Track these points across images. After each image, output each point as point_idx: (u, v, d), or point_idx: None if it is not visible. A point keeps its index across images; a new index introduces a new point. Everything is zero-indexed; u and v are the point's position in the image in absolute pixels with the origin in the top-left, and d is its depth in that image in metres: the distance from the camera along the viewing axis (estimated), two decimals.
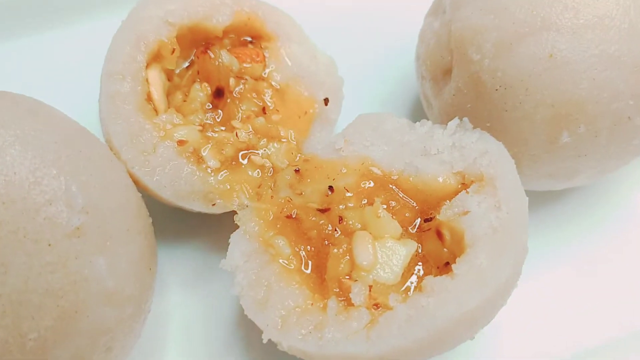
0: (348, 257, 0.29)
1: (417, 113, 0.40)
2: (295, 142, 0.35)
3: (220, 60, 0.34)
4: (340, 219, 0.29)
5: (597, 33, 0.29)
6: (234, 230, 0.32)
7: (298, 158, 0.33)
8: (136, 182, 0.32)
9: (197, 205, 0.33)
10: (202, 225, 0.36)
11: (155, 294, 0.34)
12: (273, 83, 0.35)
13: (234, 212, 0.32)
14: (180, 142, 0.32)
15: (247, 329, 0.32)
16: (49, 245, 0.25)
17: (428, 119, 0.35)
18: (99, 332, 0.26)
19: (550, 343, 0.35)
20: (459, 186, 0.30)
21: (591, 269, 0.37)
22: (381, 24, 0.44)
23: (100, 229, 0.27)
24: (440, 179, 0.30)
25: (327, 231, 0.30)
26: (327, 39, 0.39)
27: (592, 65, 0.29)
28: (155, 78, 0.33)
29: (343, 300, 0.28)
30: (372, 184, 0.31)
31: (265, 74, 0.36)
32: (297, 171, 0.32)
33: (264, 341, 0.29)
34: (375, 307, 0.28)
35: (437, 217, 0.30)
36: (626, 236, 0.38)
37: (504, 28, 0.30)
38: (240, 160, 0.34)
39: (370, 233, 0.29)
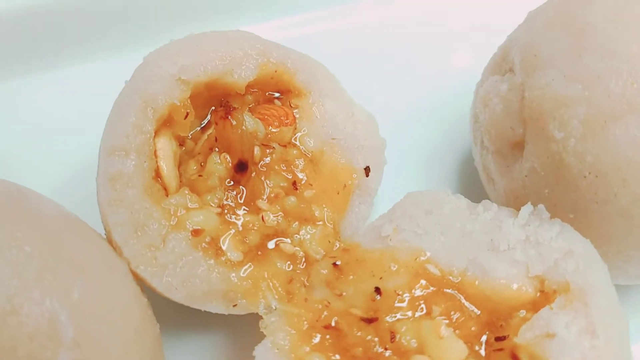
0: None
1: (473, 184, 0.34)
2: (332, 226, 0.29)
3: (244, 127, 0.29)
4: (393, 335, 0.24)
5: None
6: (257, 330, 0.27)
7: (337, 246, 0.28)
8: (142, 282, 0.27)
9: (215, 307, 0.28)
10: (219, 326, 0.30)
11: None
12: (304, 150, 0.30)
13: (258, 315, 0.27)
14: (196, 232, 0.28)
15: None
16: None
17: (488, 196, 0.30)
18: None
19: None
20: (537, 294, 0.24)
21: None
22: (427, 72, 0.38)
23: (94, 337, 0.22)
24: (515, 286, 0.25)
25: (375, 349, 0.25)
26: (366, 93, 0.33)
27: None
28: (166, 149, 0.28)
29: None
30: (429, 288, 0.26)
31: (295, 139, 0.31)
32: (335, 265, 0.27)
33: None
34: None
35: (515, 340, 0.25)
36: None
37: (597, 102, 0.25)
38: (268, 250, 0.29)
39: (429, 357, 0.24)
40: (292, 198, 0.29)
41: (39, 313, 0.21)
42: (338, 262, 0.27)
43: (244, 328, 0.28)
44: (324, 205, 0.30)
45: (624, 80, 0.25)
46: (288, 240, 0.29)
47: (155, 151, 0.28)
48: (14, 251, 0.21)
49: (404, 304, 0.27)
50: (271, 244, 0.28)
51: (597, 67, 0.25)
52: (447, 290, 0.28)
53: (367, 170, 0.31)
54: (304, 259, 0.28)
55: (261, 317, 0.27)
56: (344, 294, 0.27)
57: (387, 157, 0.33)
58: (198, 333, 0.31)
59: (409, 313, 0.26)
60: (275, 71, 0.31)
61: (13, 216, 0.22)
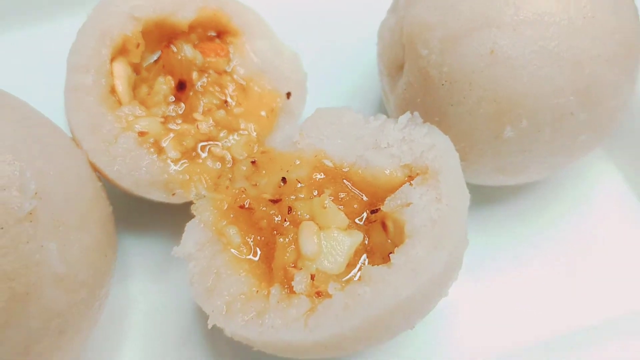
0: (294, 246, 0.30)
1: (380, 109, 0.41)
2: (255, 135, 0.36)
3: (183, 53, 0.35)
4: (290, 209, 0.31)
5: (537, 29, 0.29)
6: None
7: (256, 150, 0.35)
8: (99, 172, 0.33)
9: (157, 195, 0.34)
10: (166, 215, 0.37)
11: (117, 282, 0.35)
12: (236, 77, 0.37)
13: (191, 207, 0.34)
14: (142, 134, 0.34)
15: (205, 318, 0.33)
16: (1, 229, 0.26)
17: (388, 114, 0.36)
18: (50, 315, 0.28)
19: (491, 337, 0.35)
20: (406, 179, 0.31)
21: (537, 265, 0.38)
22: (347, 21, 0.45)
23: (52, 214, 0.28)
24: (387, 172, 0.31)
25: (276, 221, 0.31)
26: (293, 35, 0.40)
27: (532, 61, 0.30)
28: (120, 71, 0.35)
29: (287, 288, 0.29)
30: (323, 176, 0.33)
31: (229, 68, 0.37)
32: (253, 163, 0.33)
33: (209, 327, 0.30)
34: (317, 295, 0.29)
35: (382, 208, 0.31)
36: (579, 232, 0.38)
37: (450, 25, 0.31)
38: (200, 152, 0.35)
39: (316, 223, 0.30)
40: (222, 112, 0.36)
41: (10, 170, 0.26)
42: (255, 160, 0.33)
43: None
44: (250, 121, 0.37)
45: (469, 6, 0.31)
46: (219, 144, 0.34)
47: (112, 72, 0.34)
48: None
49: (303, 189, 0.33)
50: (203, 148, 0.34)
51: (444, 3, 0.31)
52: (342, 181, 0.34)
53: (288, 94, 0.37)
54: (230, 160, 0.34)
55: (193, 203, 0.34)
56: (258, 184, 0.33)
57: (310, 89, 0.39)
58: (148, 225, 0.38)
59: (305, 194, 0.33)
60: (214, 14, 0.37)
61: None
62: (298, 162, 0.33)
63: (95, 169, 0.32)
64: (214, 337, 0.35)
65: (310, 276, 0.29)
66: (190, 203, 0.34)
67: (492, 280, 0.37)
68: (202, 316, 0.35)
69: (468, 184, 0.32)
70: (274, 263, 0.30)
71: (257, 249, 0.31)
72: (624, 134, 0.40)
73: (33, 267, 0.27)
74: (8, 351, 0.27)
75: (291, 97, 0.38)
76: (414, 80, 0.33)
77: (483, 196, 0.39)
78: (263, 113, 0.36)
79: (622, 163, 0.41)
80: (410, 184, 0.30)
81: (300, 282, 0.29)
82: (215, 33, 0.38)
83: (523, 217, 0.39)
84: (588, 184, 0.40)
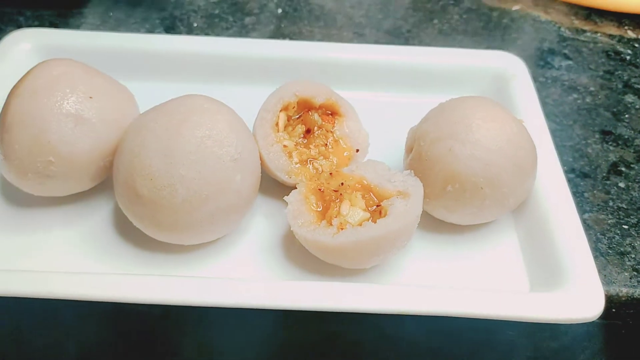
0: (337, 209, 0.55)
1: (399, 165, 0.64)
2: (336, 162, 0.69)
3: (313, 117, 0.62)
4: (340, 195, 0.63)
5: (473, 145, 0.53)
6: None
7: (333, 169, 0.68)
8: (260, 158, 0.63)
9: (282, 176, 0.58)
10: (278, 188, 0.65)
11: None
12: (335, 135, 0.62)
13: (295, 185, 0.59)
14: (285, 147, 0.58)
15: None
16: (224, 161, 0.53)
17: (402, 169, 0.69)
18: (229, 204, 0.53)
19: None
20: (396, 195, 0.62)
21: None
22: (401, 114, 0.69)
23: (243, 163, 0.52)
24: (390, 191, 0.62)
25: (333, 198, 0.63)
26: (367, 121, 0.65)
27: (467, 158, 0.52)
28: (282, 116, 0.59)
29: (328, 223, 0.61)
30: (360, 187, 0.64)
31: (332, 130, 0.62)
32: (330, 174, 0.66)
33: (294, 234, 0.54)
34: (341, 229, 0.60)
35: (382, 204, 0.61)
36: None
37: (435, 133, 0.54)
38: (308, 163, 0.67)
39: (350, 203, 0.62)
40: (323, 148, 0.58)
41: (233, 139, 0.63)
42: (332, 173, 0.66)
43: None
44: (335, 157, 0.65)
45: (445, 127, 0.65)
46: (317, 162, 0.59)
47: (278, 116, 0.59)
48: (229, 119, 0.56)
49: (348, 187, 0.64)
50: (310, 162, 0.59)
51: (436, 122, 0.65)
52: (369, 191, 0.66)
53: (357, 150, 0.67)
54: (321, 170, 0.58)
55: (298, 183, 0.58)
56: (330, 183, 0.61)
57: (370, 152, 0.71)
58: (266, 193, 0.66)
59: (349, 190, 0.65)
60: (332, 103, 0.65)
61: (228, 108, 0.57)
62: (351, 178, 0.66)
63: (260, 157, 0.59)
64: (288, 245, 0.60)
65: (341, 222, 0.61)
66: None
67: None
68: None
69: (426, 215, 0.58)
70: (327, 213, 0.54)
71: (321, 205, 0.60)
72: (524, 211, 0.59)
73: (229, 181, 0.52)
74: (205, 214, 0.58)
75: (359, 152, 0.64)
76: (414, 156, 0.55)
77: (434, 221, 0.60)
78: (345, 153, 0.61)
79: (520, 229, 0.60)
80: (397, 197, 0.62)
81: (335, 222, 0.55)
82: (330, 112, 0.62)
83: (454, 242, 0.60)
84: (493, 236, 0.60)
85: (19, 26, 0.85)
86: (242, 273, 0.54)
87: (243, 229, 0.57)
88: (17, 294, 0.45)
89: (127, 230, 0.54)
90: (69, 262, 0.53)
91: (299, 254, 0.55)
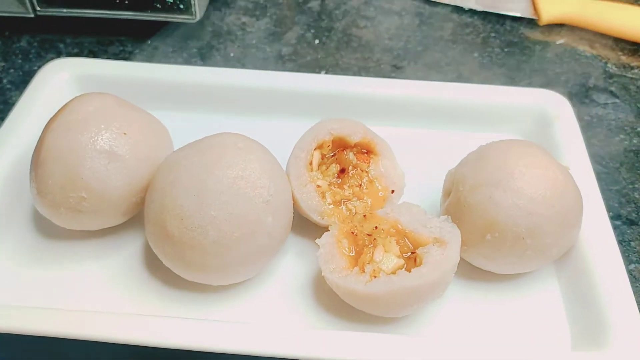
0: (370, 254, 0.59)
1: (435, 210, 0.63)
2: (370, 204, 0.67)
3: (347, 156, 0.64)
4: (374, 239, 0.61)
5: (515, 194, 0.51)
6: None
7: (367, 211, 0.66)
8: (293, 197, 0.62)
9: (316, 218, 0.57)
10: (310, 227, 0.64)
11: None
12: (370, 175, 0.65)
13: (328, 226, 0.59)
14: (318, 186, 0.57)
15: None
16: (256, 203, 0.53)
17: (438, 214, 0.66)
18: (258, 246, 0.52)
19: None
20: (432, 241, 0.60)
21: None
22: (438, 153, 0.69)
23: (275, 204, 0.51)
24: (425, 237, 0.61)
25: (366, 243, 0.61)
26: (403, 159, 0.63)
27: (508, 207, 0.51)
28: (316, 155, 0.58)
29: (361, 270, 0.59)
30: (394, 231, 0.63)
31: (367, 169, 0.61)
32: (364, 216, 0.64)
33: (325, 279, 0.52)
34: (374, 277, 0.58)
35: (417, 252, 0.60)
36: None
37: (474, 180, 0.52)
38: (341, 204, 0.67)
39: (384, 248, 0.60)
40: (357, 189, 0.60)
41: (265, 181, 0.62)
42: (365, 215, 0.65)
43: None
44: (370, 198, 0.65)
45: (484, 173, 0.62)
46: (351, 203, 0.58)
47: (312, 154, 0.58)
48: (261, 159, 0.53)
49: (382, 232, 0.62)
50: (344, 202, 0.58)
51: (476, 168, 0.61)
52: (404, 237, 0.63)
53: (392, 191, 0.67)
54: (354, 212, 0.58)
55: (330, 225, 0.58)
56: (363, 226, 0.63)
57: (406, 192, 0.70)
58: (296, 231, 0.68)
59: (383, 235, 0.62)
60: (368, 141, 0.66)
61: (262, 147, 0.56)
62: (385, 222, 0.64)
63: (293, 197, 0.59)
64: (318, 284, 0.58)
65: (374, 269, 0.59)
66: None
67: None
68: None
69: (464, 262, 0.58)
70: (359, 259, 0.52)
71: (353, 250, 0.61)
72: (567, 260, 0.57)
73: (260, 224, 0.52)
74: (241, 254, 0.52)
75: (394, 193, 0.65)
76: (452, 201, 0.54)
77: (471, 269, 0.58)
78: (380, 194, 0.60)
79: (562, 279, 0.57)
80: (433, 244, 0.59)
81: (368, 269, 0.58)
82: (366, 150, 0.61)
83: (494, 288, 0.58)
84: (532, 285, 0.57)
85: (59, 53, 0.86)
86: (270, 316, 0.53)
87: (273, 268, 0.57)
88: (42, 333, 0.46)
89: (155, 267, 0.54)
90: (97, 298, 0.53)
91: (329, 298, 0.55)
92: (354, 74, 0.77)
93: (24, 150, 0.59)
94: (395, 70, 0.87)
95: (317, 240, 0.55)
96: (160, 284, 0.54)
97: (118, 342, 0.45)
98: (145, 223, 0.52)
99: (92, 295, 0.52)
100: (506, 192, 0.52)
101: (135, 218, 0.57)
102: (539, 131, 0.66)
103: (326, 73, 0.77)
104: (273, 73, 0.69)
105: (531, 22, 0.95)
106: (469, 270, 0.55)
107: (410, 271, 0.50)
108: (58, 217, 0.52)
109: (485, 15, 0.96)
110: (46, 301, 0.52)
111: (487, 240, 0.53)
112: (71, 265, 0.56)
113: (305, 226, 0.60)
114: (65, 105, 0.54)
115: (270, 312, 0.53)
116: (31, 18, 0.76)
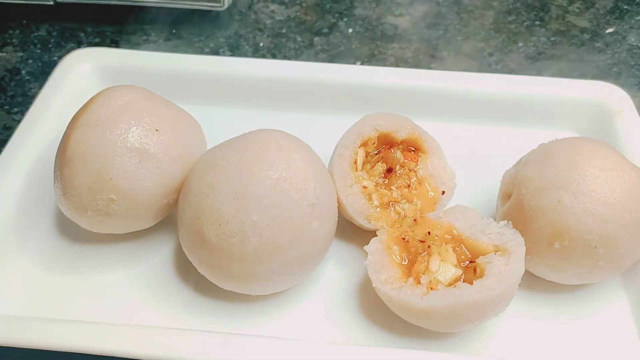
0: (425, 264, 0.54)
1: (491, 212, 0.59)
2: (420, 206, 0.62)
3: (394, 154, 0.59)
4: (429, 247, 0.56)
5: (586, 197, 0.47)
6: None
7: (418, 214, 0.61)
8: (338, 199, 0.58)
9: (361, 221, 0.53)
10: (354, 232, 0.59)
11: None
12: (418, 175, 0.61)
13: (374, 231, 0.54)
14: (364, 187, 0.53)
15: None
16: (300, 206, 0.48)
17: (495, 218, 0.61)
18: (306, 251, 0.48)
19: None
20: (492, 250, 0.54)
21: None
22: (489, 150, 0.66)
23: (320, 208, 0.47)
24: (485, 245, 0.55)
25: (419, 250, 0.56)
26: (452, 158, 0.59)
27: (579, 212, 0.45)
28: (361, 153, 0.54)
29: (416, 281, 0.54)
30: (450, 237, 0.57)
31: (415, 169, 0.58)
32: (415, 220, 0.59)
33: (376, 291, 0.48)
34: (431, 289, 0.53)
35: (477, 261, 0.55)
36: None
37: (540, 182, 0.48)
38: (389, 206, 0.62)
39: (440, 257, 0.55)
40: (406, 190, 0.54)
41: (310, 183, 0.55)
42: (416, 219, 0.59)
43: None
44: (420, 199, 0.60)
45: (552, 175, 0.51)
46: (400, 206, 0.53)
47: (357, 152, 0.54)
48: (306, 160, 0.49)
49: (437, 239, 0.57)
50: (392, 205, 0.54)
51: (541, 168, 0.52)
52: (460, 243, 0.57)
53: (443, 192, 0.62)
54: (404, 215, 0.53)
55: (379, 230, 0.54)
56: (415, 231, 0.57)
57: (456, 193, 0.64)
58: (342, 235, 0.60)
59: (437, 242, 0.56)
60: (415, 138, 0.59)
61: (306, 146, 0.51)
62: (439, 227, 0.59)
63: (337, 199, 0.56)
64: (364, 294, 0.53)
65: (430, 280, 0.54)
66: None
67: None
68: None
69: (527, 272, 0.50)
70: (413, 268, 0.50)
71: (406, 259, 0.56)
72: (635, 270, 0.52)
73: (305, 229, 0.48)
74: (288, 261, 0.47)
75: (445, 194, 0.60)
76: (513, 205, 0.50)
77: (531, 277, 0.53)
78: (430, 195, 0.55)
79: (630, 290, 0.53)
80: (495, 253, 0.54)
81: (424, 281, 0.53)
82: (413, 148, 0.57)
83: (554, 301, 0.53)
84: (599, 297, 0.53)
85: (80, 42, 0.82)
86: (312, 331, 0.50)
87: (315, 276, 0.53)
88: (62, 349, 0.44)
89: (188, 273, 0.51)
90: (123, 308, 0.50)
91: (376, 310, 0.51)
92: (391, 65, 0.71)
93: (47, 147, 0.55)
94: (434, 60, 0.82)
95: (365, 247, 0.51)
96: (193, 293, 0.51)
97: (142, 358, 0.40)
98: (179, 227, 0.47)
99: (118, 305, 0.50)
100: (577, 197, 0.48)
101: (165, 220, 0.52)
102: (599, 127, 0.60)
103: (361, 64, 0.71)
104: (309, 64, 0.64)
105: (578, 9, 0.89)
106: (528, 279, 0.51)
107: (471, 283, 0.46)
108: (84, 220, 0.48)
109: (529, 2, 0.90)
110: (69, 311, 0.49)
111: (555, 249, 0.49)
112: (96, 271, 0.53)
113: (349, 229, 0.56)
114: (92, 99, 0.49)
115: (313, 326, 0.50)
116: (50, 5, 0.72)
